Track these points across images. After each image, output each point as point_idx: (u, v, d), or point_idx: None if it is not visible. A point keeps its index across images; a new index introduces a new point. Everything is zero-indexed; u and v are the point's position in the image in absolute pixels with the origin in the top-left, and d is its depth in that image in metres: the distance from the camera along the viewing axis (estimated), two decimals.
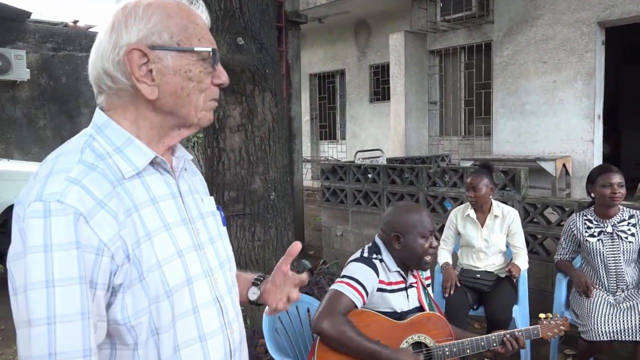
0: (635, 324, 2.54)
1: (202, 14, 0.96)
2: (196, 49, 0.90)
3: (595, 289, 2.76)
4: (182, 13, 0.91)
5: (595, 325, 2.60)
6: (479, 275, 3.11)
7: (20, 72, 6.82)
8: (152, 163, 0.91)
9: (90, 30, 8.06)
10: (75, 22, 8.20)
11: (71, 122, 7.67)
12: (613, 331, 2.57)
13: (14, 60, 6.73)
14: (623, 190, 2.75)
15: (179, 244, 0.90)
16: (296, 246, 1.10)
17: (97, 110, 0.92)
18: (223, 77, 0.95)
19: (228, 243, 1.08)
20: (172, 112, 0.91)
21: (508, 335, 1.93)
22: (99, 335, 0.80)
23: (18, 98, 7.19)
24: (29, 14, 7.15)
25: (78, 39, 7.80)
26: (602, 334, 2.58)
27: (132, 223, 0.84)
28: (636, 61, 9.53)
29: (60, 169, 0.81)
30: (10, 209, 4.32)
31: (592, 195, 2.88)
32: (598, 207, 2.86)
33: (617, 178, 2.73)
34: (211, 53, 0.91)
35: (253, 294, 1.15)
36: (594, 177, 2.84)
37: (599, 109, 6.34)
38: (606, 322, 2.60)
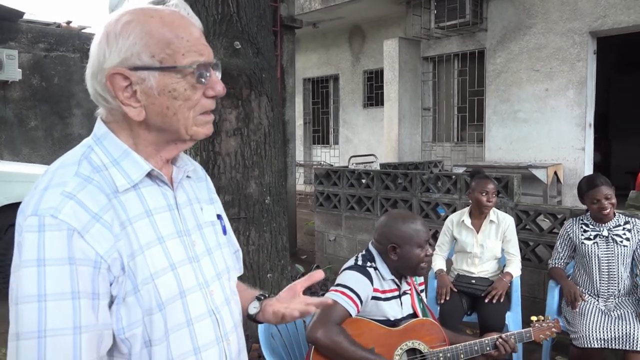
0: (626, 332, 2.57)
1: (191, 23, 0.90)
2: (178, 66, 0.86)
3: (583, 300, 2.79)
4: (165, 28, 0.86)
5: (587, 332, 2.63)
6: (474, 281, 3.13)
7: (12, 72, 6.77)
8: (149, 175, 0.91)
9: (83, 31, 8.02)
10: (69, 22, 8.15)
11: (63, 123, 7.61)
12: (604, 338, 2.60)
13: (6, 60, 6.67)
14: (613, 201, 2.78)
15: (172, 257, 0.90)
16: (319, 274, 1.12)
17: (98, 121, 0.92)
18: (218, 88, 0.91)
19: (228, 253, 1.07)
20: (163, 129, 0.90)
21: (501, 339, 1.94)
22: (107, 343, 0.81)
23: (9, 98, 7.12)
24: (21, 14, 7.10)
25: (71, 40, 7.75)
26: (593, 341, 2.60)
27: (127, 236, 0.84)
28: (627, 71, 9.67)
29: (56, 182, 0.82)
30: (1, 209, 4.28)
31: (585, 206, 2.93)
32: (593, 215, 2.90)
33: (604, 191, 2.76)
34: (196, 68, 0.86)
35: (254, 307, 1.15)
36: (583, 191, 2.88)
37: (590, 118, 6.41)
38: (597, 329, 2.63)
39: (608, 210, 2.76)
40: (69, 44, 7.69)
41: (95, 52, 0.87)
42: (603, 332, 2.61)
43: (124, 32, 0.84)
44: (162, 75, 0.85)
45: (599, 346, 2.60)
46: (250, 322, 1.18)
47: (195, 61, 0.87)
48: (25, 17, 7.32)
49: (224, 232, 1.08)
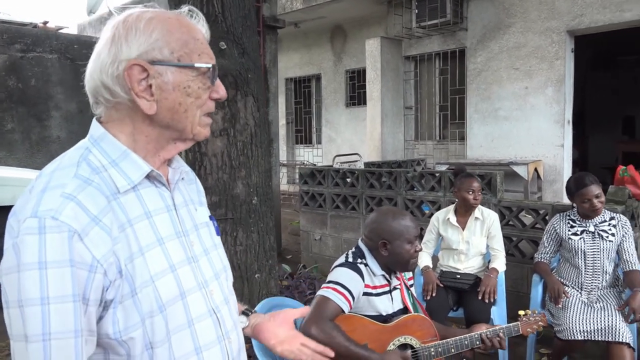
0: (608, 324, 2.63)
1: (202, 28, 0.95)
2: (196, 64, 0.90)
3: (567, 297, 2.85)
4: (183, 28, 0.90)
5: (570, 325, 2.69)
6: (459, 276, 3.17)
7: None
8: (148, 176, 0.91)
9: (60, 31, 7.88)
10: (45, 23, 8.01)
11: (40, 125, 7.47)
12: (587, 330, 2.65)
13: None
14: (602, 199, 2.82)
15: (172, 258, 0.90)
16: (306, 310, 1.24)
17: (94, 122, 0.92)
18: (221, 92, 0.95)
19: (223, 252, 1.08)
20: (169, 126, 0.91)
21: (489, 333, 1.98)
22: (88, 350, 0.80)
23: None
24: None
25: (48, 41, 7.61)
26: (577, 333, 2.66)
27: (126, 238, 0.84)
28: (602, 68, 9.90)
29: (55, 184, 0.81)
30: None
31: (574, 205, 2.98)
32: (581, 212, 2.94)
33: (593, 191, 2.80)
34: (211, 69, 0.91)
35: (240, 322, 1.17)
36: (572, 191, 2.92)
37: (569, 115, 6.55)
38: (580, 321, 2.69)
39: (598, 209, 2.81)
40: (46, 44, 7.55)
41: (107, 45, 0.87)
42: (586, 324, 2.67)
43: (147, 27, 0.87)
44: (178, 71, 0.88)
45: (582, 338, 2.66)
46: None
47: (209, 62, 0.91)
48: (0, 17, 7.17)
49: (217, 232, 1.09)
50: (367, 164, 6.48)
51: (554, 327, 2.86)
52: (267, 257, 3.27)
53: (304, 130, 10.90)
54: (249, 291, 3.14)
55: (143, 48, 0.86)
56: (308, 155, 10.58)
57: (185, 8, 0.95)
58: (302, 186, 5.43)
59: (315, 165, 9.18)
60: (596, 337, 2.64)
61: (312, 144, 10.73)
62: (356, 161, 7.62)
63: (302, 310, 1.23)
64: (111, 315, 0.81)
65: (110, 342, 0.82)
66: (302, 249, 5.59)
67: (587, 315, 2.70)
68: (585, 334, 2.65)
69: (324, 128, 10.20)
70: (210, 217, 1.09)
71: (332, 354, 1.24)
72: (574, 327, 2.67)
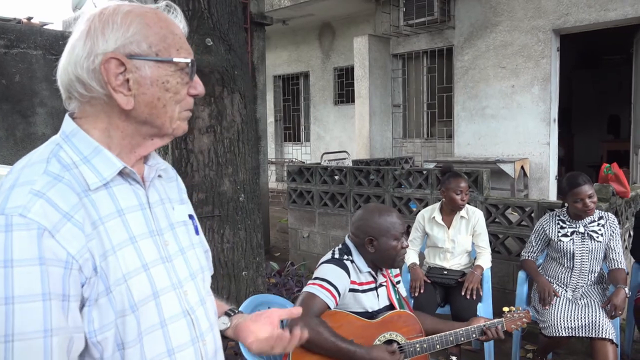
0: (592, 320, 2.66)
1: (180, 23, 0.94)
2: (175, 59, 0.88)
3: (558, 295, 2.87)
4: (161, 22, 0.89)
5: (555, 321, 2.72)
6: (445, 272, 3.19)
7: None
8: (121, 173, 0.89)
9: (45, 27, 7.77)
10: (29, 18, 7.88)
11: (25, 122, 7.36)
12: (571, 327, 2.69)
13: None
14: (594, 199, 2.82)
15: (145, 257, 0.88)
16: (297, 310, 1.18)
17: (66, 118, 0.89)
18: (199, 88, 0.94)
19: (201, 252, 1.06)
20: (147, 122, 0.89)
21: (473, 328, 2.00)
22: (78, 346, 0.79)
23: None
24: None
25: (33, 37, 7.49)
26: (562, 330, 2.69)
27: (99, 235, 0.82)
28: (587, 67, 10.01)
29: (24, 180, 0.79)
30: None
31: (565, 204, 2.98)
32: (572, 212, 2.93)
33: (586, 190, 2.79)
34: (190, 64, 0.90)
35: (222, 323, 1.14)
36: (565, 190, 2.91)
37: (555, 113, 6.61)
38: (565, 318, 2.72)
39: (591, 209, 2.80)
40: (30, 40, 7.43)
41: (82, 39, 0.85)
42: (570, 321, 2.70)
43: (124, 20, 0.85)
44: (156, 66, 0.86)
45: (567, 335, 2.69)
46: None
47: (188, 57, 0.90)
48: None
49: (197, 232, 1.07)
50: (355, 162, 6.49)
51: (539, 324, 2.89)
52: (255, 255, 3.26)
53: (293, 128, 10.89)
54: (236, 289, 3.13)
55: (120, 42, 0.84)
56: (297, 153, 10.57)
57: (162, 3, 0.93)
58: (290, 184, 5.42)
59: (303, 162, 9.17)
60: (580, 333, 2.67)
61: (300, 142, 10.72)
62: (344, 159, 7.63)
63: (291, 311, 1.18)
64: (87, 314, 0.79)
65: (86, 343, 0.80)
66: (290, 247, 5.58)
67: (571, 312, 2.73)
68: (570, 330, 2.68)
69: (313, 126, 10.19)
70: (190, 216, 1.06)
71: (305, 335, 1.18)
72: (559, 324, 2.70)
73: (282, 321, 1.18)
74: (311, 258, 5.18)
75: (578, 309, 2.75)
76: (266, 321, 1.13)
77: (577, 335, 2.69)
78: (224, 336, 1.17)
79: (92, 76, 0.84)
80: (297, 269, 4.92)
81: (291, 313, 1.17)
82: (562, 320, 2.71)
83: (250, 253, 3.22)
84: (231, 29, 3.04)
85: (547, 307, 2.83)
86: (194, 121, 2.98)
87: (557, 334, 2.70)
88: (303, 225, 5.38)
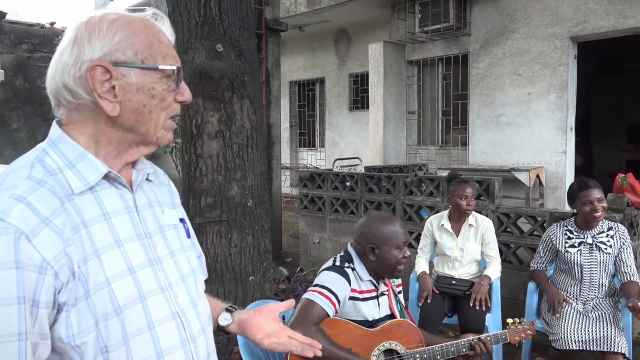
0: (604, 334, 2.60)
1: (167, 31, 0.95)
2: (161, 67, 0.89)
3: (568, 304, 2.82)
4: (148, 30, 0.90)
5: (566, 334, 2.66)
6: (454, 282, 3.15)
7: None
8: (107, 178, 0.90)
9: None
10: (52, 24, 8.08)
11: (46, 125, 7.52)
12: (582, 340, 2.62)
13: None
14: (604, 205, 2.76)
15: (132, 260, 0.88)
16: (291, 303, 1.22)
17: (54, 124, 0.91)
18: (187, 95, 0.95)
19: (193, 256, 1.06)
20: (133, 129, 0.90)
21: (477, 340, 1.97)
22: (42, 353, 0.79)
23: None
24: (3, 15, 7.03)
25: (55, 41, 7.67)
26: (572, 343, 2.63)
27: (80, 240, 0.82)
28: (607, 75, 9.84)
29: (7, 186, 0.80)
30: None
31: (575, 210, 2.92)
32: (580, 221, 2.88)
33: (596, 194, 2.75)
34: (176, 71, 0.91)
35: (225, 319, 1.17)
36: (574, 194, 2.86)
37: (572, 122, 6.51)
38: (576, 331, 2.66)
39: (600, 214, 2.74)
40: (53, 45, 7.56)
41: (69, 47, 0.87)
42: (581, 334, 2.64)
43: (110, 28, 0.86)
44: (142, 73, 0.88)
45: (577, 348, 2.62)
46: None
47: (174, 65, 0.91)
48: (8, 18, 7.24)
49: (188, 235, 1.07)
50: (367, 169, 6.47)
51: (549, 336, 2.83)
52: (262, 260, 3.28)
53: (308, 134, 10.92)
54: (243, 294, 3.15)
55: (106, 49, 0.86)
56: (311, 159, 10.59)
57: (150, 11, 0.94)
58: (302, 189, 5.43)
59: (318, 168, 9.18)
60: (592, 347, 2.61)
61: (315, 148, 10.73)
62: (357, 165, 7.61)
63: (288, 304, 1.21)
64: (64, 319, 0.80)
65: (64, 347, 0.81)
66: (302, 253, 5.58)
67: (582, 325, 2.68)
68: (581, 344, 2.62)
69: (328, 132, 10.20)
70: (182, 220, 1.07)
71: (319, 345, 1.22)
72: (569, 337, 2.65)
73: (283, 317, 1.20)
74: (321, 264, 5.11)
75: (589, 322, 2.69)
76: (269, 316, 1.16)
77: (588, 349, 2.62)
78: (227, 332, 1.19)
79: (78, 84, 0.86)
80: (306, 275, 4.92)
81: (288, 306, 1.20)
82: (573, 333, 2.65)
83: (258, 258, 3.23)
84: (242, 35, 3.07)
85: (557, 316, 2.78)
86: (203, 126, 3.02)
87: (568, 347, 2.64)
88: (314, 232, 5.37)
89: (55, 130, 0.90)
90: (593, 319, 2.70)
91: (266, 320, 1.15)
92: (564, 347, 2.65)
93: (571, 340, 2.63)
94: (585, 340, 2.62)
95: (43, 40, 7.52)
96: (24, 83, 7.30)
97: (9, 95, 7.16)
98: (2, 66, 6.83)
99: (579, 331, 2.65)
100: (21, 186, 0.80)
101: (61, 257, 0.79)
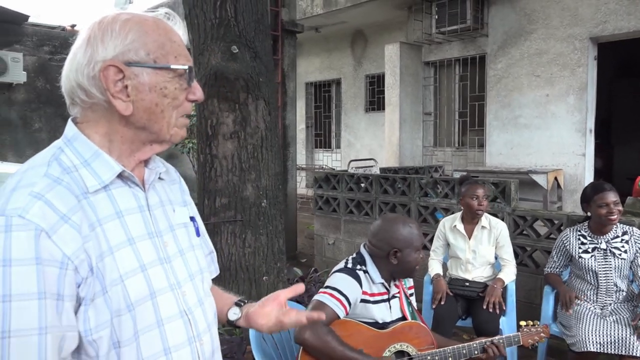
0: (621, 337, 2.56)
1: (179, 30, 0.96)
2: (172, 66, 0.90)
3: (580, 300, 2.79)
4: (160, 30, 0.91)
5: (584, 336, 2.62)
6: (467, 284, 3.13)
7: (17, 74, 6.83)
8: (121, 176, 0.91)
9: None
10: (73, 26, 8.22)
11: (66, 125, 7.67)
12: (600, 342, 2.59)
13: (11, 62, 6.74)
14: (620, 208, 2.73)
15: (143, 258, 0.90)
16: (301, 287, 1.16)
17: (69, 122, 0.93)
18: (198, 94, 0.96)
19: (201, 254, 1.08)
20: (145, 127, 0.91)
21: (489, 342, 1.95)
22: (70, 344, 0.81)
23: (14, 100, 7.19)
24: (26, 17, 7.17)
25: (72, 42, 7.82)
26: (590, 344, 2.59)
27: (96, 237, 0.84)
28: (628, 76, 9.65)
29: (25, 183, 0.82)
30: None
31: (589, 213, 2.89)
32: (594, 224, 2.85)
33: (612, 197, 2.72)
34: (187, 70, 0.92)
35: (234, 314, 1.16)
36: (589, 197, 2.83)
37: (591, 123, 6.41)
38: (593, 332, 2.62)
39: (615, 217, 2.71)
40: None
41: (83, 46, 0.88)
42: (599, 336, 2.60)
43: (123, 28, 0.88)
44: (154, 73, 0.89)
45: (596, 350, 2.59)
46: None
47: (186, 64, 0.92)
48: (30, 20, 7.39)
49: (197, 233, 1.08)
50: (382, 170, 6.46)
51: (566, 340, 2.79)
52: (276, 260, 3.29)
53: (324, 135, 10.93)
54: (256, 293, 3.16)
55: (119, 49, 0.87)
56: (327, 160, 10.60)
57: (162, 10, 0.96)
58: (316, 190, 5.44)
59: (333, 169, 9.19)
60: (610, 349, 2.57)
61: (331, 149, 10.74)
62: (372, 166, 7.60)
63: (295, 288, 1.17)
64: (82, 313, 0.82)
65: (81, 341, 0.82)
66: (316, 253, 5.59)
67: (600, 327, 2.64)
68: (599, 345, 2.58)
69: (343, 132, 10.20)
70: (192, 218, 1.08)
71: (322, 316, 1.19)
72: (587, 339, 2.60)
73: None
74: (335, 265, 5.16)
75: (607, 324, 2.65)
76: (274, 303, 1.14)
77: (606, 351, 2.58)
78: (236, 326, 1.19)
79: (92, 83, 0.87)
80: (320, 276, 4.93)
81: (295, 291, 1.17)
82: (591, 334, 2.61)
83: (272, 258, 3.25)
84: (257, 36, 3.09)
85: (569, 312, 2.74)
86: (218, 127, 3.04)
87: (586, 349, 2.60)
88: (329, 232, 5.38)
89: (70, 128, 0.92)
90: (611, 322, 2.66)
91: (272, 309, 1.14)
92: (582, 349, 2.61)
93: (589, 342, 2.59)
94: (603, 343, 2.58)
95: (64, 42, 7.67)
96: (45, 84, 7.46)
97: (30, 96, 7.32)
98: (25, 68, 6.98)
99: (597, 333, 2.61)
100: (39, 183, 0.82)
101: (80, 252, 0.81)
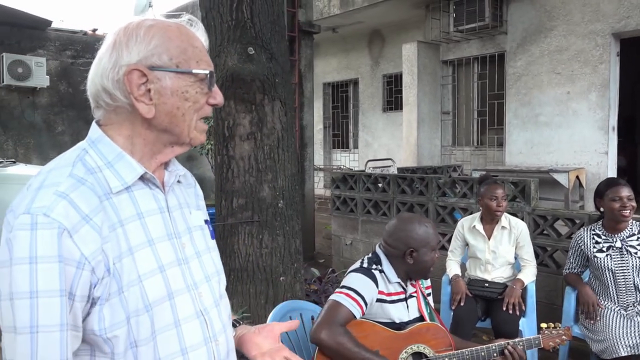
0: None
1: (201, 37, 0.98)
2: (194, 71, 0.93)
3: (601, 308, 2.72)
4: (182, 36, 0.94)
5: (613, 341, 2.53)
6: (487, 285, 3.10)
7: (40, 78, 6.98)
8: (142, 178, 0.94)
9: None
10: (94, 30, 8.37)
11: (89, 128, 7.77)
12: (631, 345, 2.51)
13: (34, 67, 6.89)
14: (633, 204, 2.70)
15: (162, 259, 0.92)
16: (295, 323, 1.21)
17: (93, 124, 0.95)
18: (218, 98, 0.98)
19: (217, 256, 1.09)
20: (167, 130, 0.94)
21: (508, 345, 1.92)
22: (73, 344, 0.82)
23: (37, 104, 7.35)
24: (49, 23, 7.33)
25: (97, 47, 7.96)
26: (621, 348, 2.50)
27: (116, 238, 0.86)
28: None
29: (50, 182, 0.84)
30: None
31: (601, 209, 2.84)
32: (607, 222, 2.80)
33: (625, 191, 2.69)
34: (208, 75, 0.94)
35: None
36: (602, 191, 2.79)
37: (613, 121, 6.28)
38: (624, 335, 2.54)
39: (628, 212, 2.66)
40: (95, 51, 7.84)
41: (108, 51, 0.91)
42: (629, 338, 2.53)
43: (147, 34, 0.90)
44: (177, 77, 0.91)
45: (627, 353, 2.50)
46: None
47: (207, 69, 0.95)
48: (53, 25, 7.54)
49: (212, 236, 1.10)
50: (400, 169, 6.43)
51: (590, 345, 2.72)
52: (293, 261, 3.29)
53: (341, 135, 10.92)
54: (273, 294, 3.17)
55: (143, 54, 0.89)
56: (345, 160, 10.59)
57: (185, 17, 0.98)
58: (333, 190, 5.44)
59: (351, 169, 9.17)
60: (639, 350, 2.49)
61: (349, 149, 10.73)
62: (389, 166, 7.56)
63: (289, 324, 1.21)
64: (97, 312, 0.83)
65: (95, 339, 0.84)
66: (334, 254, 5.59)
67: (628, 329, 2.56)
68: (630, 348, 2.50)
69: (361, 133, 10.18)
70: (206, 221, 1.10)
71: None
72: (618, 342, 2.52)
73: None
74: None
75: (636, 325, 2.57)
76: (268, 334, 1.16)
77: (637, 353, 2.49)
78: None
79: (116, 86, 0.90)
80: (337, 276, 4.92)
81: (290, 327, 1.20)
82: (621, 338, 2.53)
83: (289, 259, 3.25)
84: (273, 37, 3.10)
85: (593, 322, 2.68)
86: (235, 128, 3.06)
87: (618, 354, 2.50)
88: (346, 233, 5.37)
89: (94, 130, 0.94)
90: (638, 323, 2.59)
91: (265, 339, 1.15)
92: (614, 355, 2.51)
93: (620, 346, 2.51)
94: (634, 345, 2.50)
95: (86, 46, 7.81)
96: (67, 88, 7.60)
97: (53, 100, 7.47)
98: (48, 72, 7.13)
99: (627, 335, 2.53)
100: (63, 183, 0.84)
101: (98, 253, 0.83)
